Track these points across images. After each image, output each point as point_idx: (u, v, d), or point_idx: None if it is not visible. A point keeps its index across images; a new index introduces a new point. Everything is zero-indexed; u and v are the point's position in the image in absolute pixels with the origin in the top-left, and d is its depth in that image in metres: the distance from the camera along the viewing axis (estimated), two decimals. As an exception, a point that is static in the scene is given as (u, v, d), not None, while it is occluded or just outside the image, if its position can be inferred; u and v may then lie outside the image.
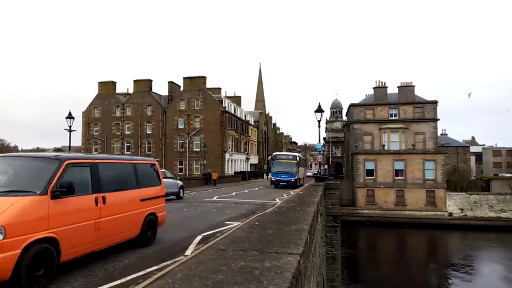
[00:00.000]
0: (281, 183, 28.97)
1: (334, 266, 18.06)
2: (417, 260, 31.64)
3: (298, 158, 30.34)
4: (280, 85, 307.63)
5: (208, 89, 56.27)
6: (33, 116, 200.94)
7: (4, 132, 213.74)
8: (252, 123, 72.46)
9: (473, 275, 26.93)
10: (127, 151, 57.61)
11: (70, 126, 23.62)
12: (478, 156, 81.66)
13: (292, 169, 28.94)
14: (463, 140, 77.01)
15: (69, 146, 25.57)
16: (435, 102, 49.24)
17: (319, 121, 23.43)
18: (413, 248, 36.35)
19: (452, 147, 61.81)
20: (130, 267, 5.80)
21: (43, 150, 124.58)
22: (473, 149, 77.07)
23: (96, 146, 59.06)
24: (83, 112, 59.76)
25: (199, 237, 8.41)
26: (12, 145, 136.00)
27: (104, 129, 58.58)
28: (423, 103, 49.75)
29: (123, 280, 5.05)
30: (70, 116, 23.39)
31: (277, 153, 33.38)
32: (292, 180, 28.56)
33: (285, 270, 2.98)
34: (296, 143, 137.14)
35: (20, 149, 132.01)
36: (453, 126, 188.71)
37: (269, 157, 30.64)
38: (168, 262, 5.94)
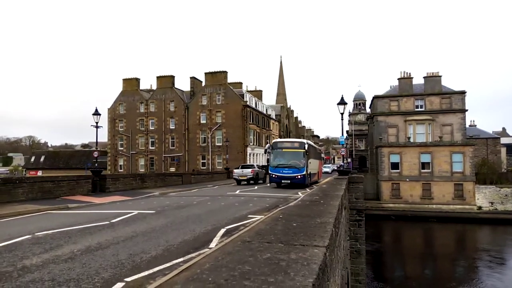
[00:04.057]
0: (283, 181, 22.62)
1: (359, 260, 17.88)
2: (444, 255, 30.88)
3: (306, 146, 22.70)
4: (301, 78, 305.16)
5: (229, 83, 56.43)
6: (61, 114, 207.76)
7: (34, 130, 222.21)
8: (274, 117, 72.25)
9: (503, 270, 26.05)
10: (151, 147, 58.73)
11: (96, 123, 24.21)
12: (509, 147, 78.33)
13: (298, 161, 22.17)
14: (493, 131, 74.18)
15: (96, 142, 26.27)
16: (463, 92, 47.60)
17: (342, 114, 23.11)
18: (440, 242, 35.47)
19: (482, 139, 59.66)
20: (156, 259, 5.91)
21: (71, 147, 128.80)
22: (503, 140, 74.03)
23: (122, 142, 60.48)
24: (108, 109, 61.22)
25: (223, 230, 8.47)
26: (42, 141, 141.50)
27: (129, 125, 59.85)
28: (451, 93, 48.18)
29: (151, 271, 5.15)
30: (96, 113, 23.96)
31: (278, 140, 25.91)
32: (299, 177, 22.04)
33: (312, 262, 2.95)
34: (318, 137, 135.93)
35: (49, 145, 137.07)
36: (483, 116, 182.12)
37: (267, 145, 24.44)
38: (193, 254, 6.01)
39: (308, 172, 22.67)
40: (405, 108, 49.15)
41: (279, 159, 22.70)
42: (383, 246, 33.74)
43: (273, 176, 22.90)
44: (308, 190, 20.71)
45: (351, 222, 17.51)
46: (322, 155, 43.97)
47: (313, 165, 25.24)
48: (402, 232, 39.70)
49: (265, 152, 24.22)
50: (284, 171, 22.41)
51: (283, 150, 22.96)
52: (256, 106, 59.88)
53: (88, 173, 23.22)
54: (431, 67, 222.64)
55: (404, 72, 51.45)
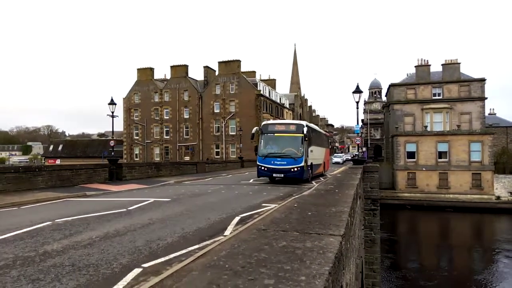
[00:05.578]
0: (275, 175, 18.03)
1: (373, 249, 17.82)
2: (461, 245, 30.50)
3: (305, 129, 17.73)
4: (316, 66, 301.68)
5: (242, 72, 56.24)
6: (78, 103, 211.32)
7: (52, 119, 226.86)
8: (287, 106, 71.87)
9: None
10: (166, 136, 59.32)
11: (112, 112, 24.46)
12: (531, 136, 76.08)
13: (294, 149, 17.50)
14: (513, 120, 72.08)
15: (112, 131, 26.62)
16: (482, 80, 46.29)
17: (357, 102, 22.77)
18: (456, 232, 35.03)
19: (501, 127, 58.11)
20: (172, 246, 6.00)
21: (88, 136, 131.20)
22: (524, 129, 71.94)
23: (137, 131, 61.25)
24: (123, 98, 61.88)
25: (237, 218, 8.52)
26: (60, 131, 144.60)
27: (144, 114, 60.49)
28: (470, 81, 46.92)
29: (167, 257, 5.23)
30: (112, 102, 24.21)
31: (269, 122, 20.35)
32: (295, 169, 17.28)
33: (327, 251, 2.94)
34: (332, 126, 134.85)
35: (67, 135, 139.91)
36: (503, 104, 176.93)
37: (254, 128, 19.91)
38: (208, 242, 6.07)
39: (309, 163, 18.24)
40: (422, 96, 48.16)
41: (270, 147, 18.23)
42: (398, 235, 33.52)
43: (262, 168, 18.10)
44: (322, 179, 20.59)
45: (366, 211, 17.41)
46: (336, 144, 41.30)
47: (316, 153, 20.62)
48: (417, 222, 39.33)
49: (252, 138, 19.34)
50: (276, 162, 17.68)
51: (276, 134, 18.25)
52: (269, 95, 59.63)
53: (104, 162, 23.63)
54: (450, 54, 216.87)
55: (421, 60, 50.30)
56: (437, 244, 30.88)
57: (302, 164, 17.33)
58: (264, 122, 19.67)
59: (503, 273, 22.96)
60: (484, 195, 41.02)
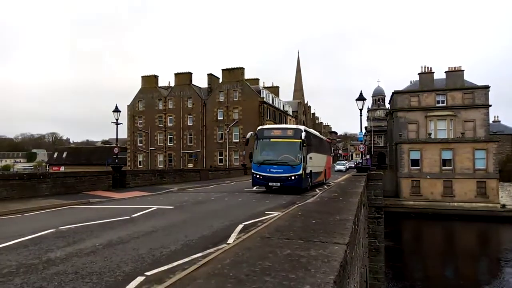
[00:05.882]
0: (271, 183, 16.79)
1: (377, 258, 17.68)
2: (466, 254, 30.16)
3: (303, 134, 16.48)
4: (319, 73, 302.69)
5: (246, 80, 56.47)
6: (82, 111, 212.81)
7: (57, 127, 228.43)
8: (291, 113, 71.96)
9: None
10: (169, 143, 59.43)
11: (117, 119, 24.65)
12: (536, 144, 75.41)
13: (292, 155, 16.29)
14: (518, 127, 71.64)
15: (116, 138, 26.74)
16: (486, 87, 46.20)
17: (360, 110, 22.84)
18: (461, 241, 34.68)
19: (506, 135, 57.77)
20: (176, 254, 5.98)
21: (92, 143, 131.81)
22: (529, 136, 71.37)
23: (141, 138, 61.43)
24: (128, 106, 62.20)
25: (240, 226, 8.47)
26: (64, 138, 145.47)
27: (148, 122, 60.71)
28: (473, 88, 46.84)
29: (170, 265, 5.20)
30: (116, 110, 24.40)
31: (265, 126, 19.06)
32: (292, 178, 16.13)
33: (332, 259, 2.92)
34: (336, 133, 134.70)
35: (71, 142, 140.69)
36: (508, 112, 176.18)
37: (249, 134, 18.28)
38: (211, 250, 6.03)
39: (308, 171, 17.16)
40: (426, 103, 48.08)
41: (266, 153, 17.03)
42: (403, 244, 33.22)
43: (257, 176, 16.92)
44: (326, 187, 20.48)
45: (370, 219, 17.31)
46: (339, 151, 41.01)
47: (316, 161, 19.58)
48: (422, 230, 38.99)
49: (246, 144, 18.52)
50: (272, 170, 16.49)
51: (272, 140, 17.06)
52: (273, 102, 59.76)
53: (108, 169, 23.65)
54: (453, 61, 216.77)
55: (425, 67, 50.34)
56: (442, 253, 30.55)
57: (300, 172, 16.12)
58: (259, 127, 18.53)
59: (510, 283, 22.64)
60: (489, 203, 40.67)
